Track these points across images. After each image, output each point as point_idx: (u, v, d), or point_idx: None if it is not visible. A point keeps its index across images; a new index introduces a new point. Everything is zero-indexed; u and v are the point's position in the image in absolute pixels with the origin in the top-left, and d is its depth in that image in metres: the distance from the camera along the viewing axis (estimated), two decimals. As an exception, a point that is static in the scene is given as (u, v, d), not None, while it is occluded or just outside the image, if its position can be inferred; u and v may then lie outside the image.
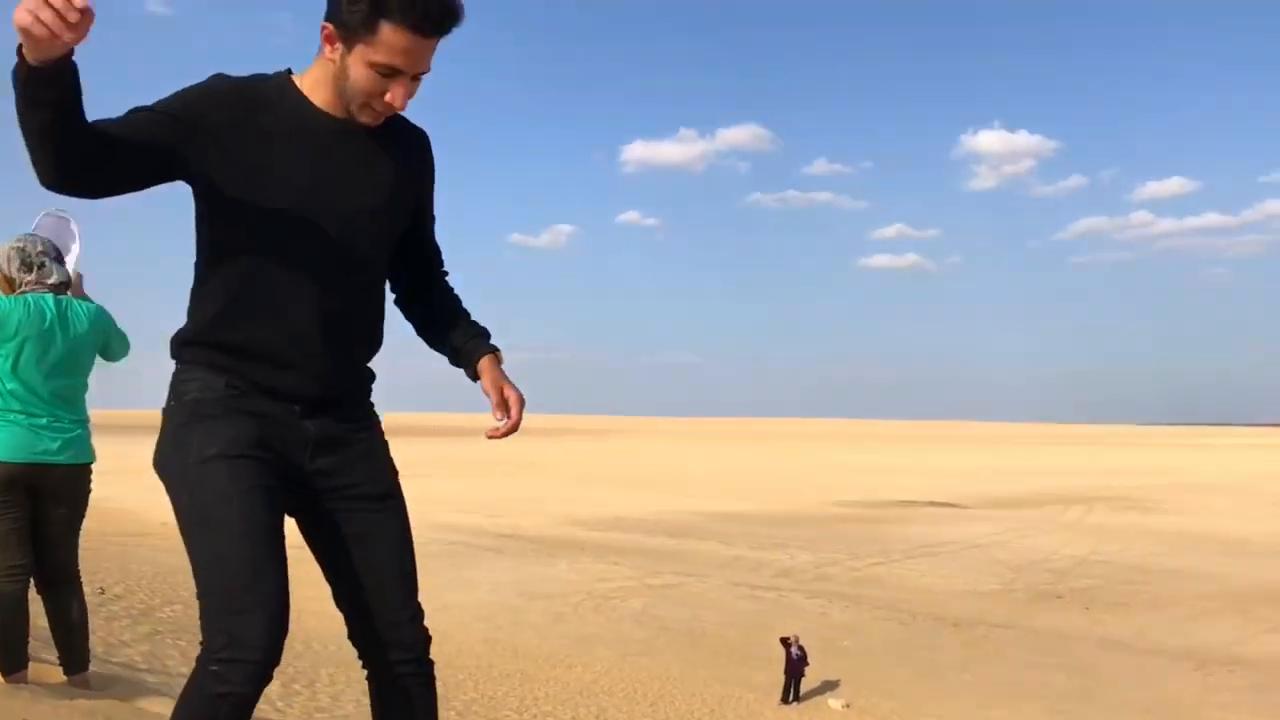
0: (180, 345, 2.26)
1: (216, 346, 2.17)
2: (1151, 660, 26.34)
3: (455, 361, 2.42)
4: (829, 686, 22.00)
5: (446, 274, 2.54)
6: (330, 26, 2.04)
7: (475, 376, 2.41)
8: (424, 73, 2.06)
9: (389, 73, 2.05)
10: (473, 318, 2.48)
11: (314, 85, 2.16)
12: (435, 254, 2.49)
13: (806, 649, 21.23)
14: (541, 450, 46.74)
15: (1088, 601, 33.32)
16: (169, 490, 2.17)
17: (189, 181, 2.12)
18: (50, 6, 1.65)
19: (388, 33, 2.00)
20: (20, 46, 1.72)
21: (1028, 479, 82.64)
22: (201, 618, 2.04)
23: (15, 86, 1.75)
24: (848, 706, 20.89)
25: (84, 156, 1.86)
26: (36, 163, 1.84)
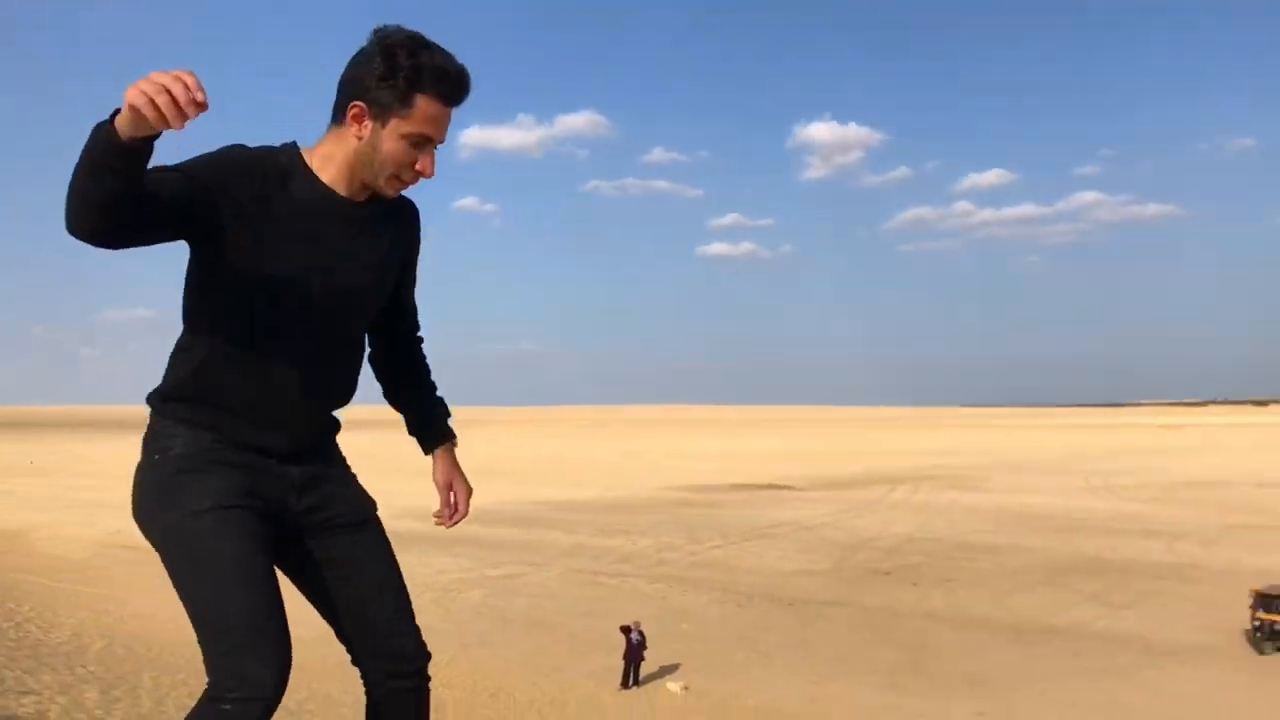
0: (162, 400, 2.30)
1: (200, 402, 2.24)
2: (974, 633, 27.55)
3: (411, 433, 2.62)
4: (668, 670, 22.27)
5: (421, 338, 2.66)
6: (361, 105, 2.15)
7: (428, 453, 2.62)
8: (442, 142, 2.22)
9: (421, 142, 2.18)
10: (437, 392, 2.64)
11: (324, 161, 2.23)
12: (412, 315, 2.62)
13: (646, 634, 21.45)
14: (378, 442, 45.90)
15: (915, 578, 34.61)
16: (157, 542, 2.24)
17: (197, 242, 2.17)
18: (169, 94, 1.69)
19: (422, 104, 2.14)
20: (115, 115, 1.76)
21: (858, 461, 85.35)
22: (207, 661, 2.12)
23: (93, 150, 1.78)
24: (686, 689, 21.19)
25: (122, 218, 1.91)
26: (78, 217, 1.86)
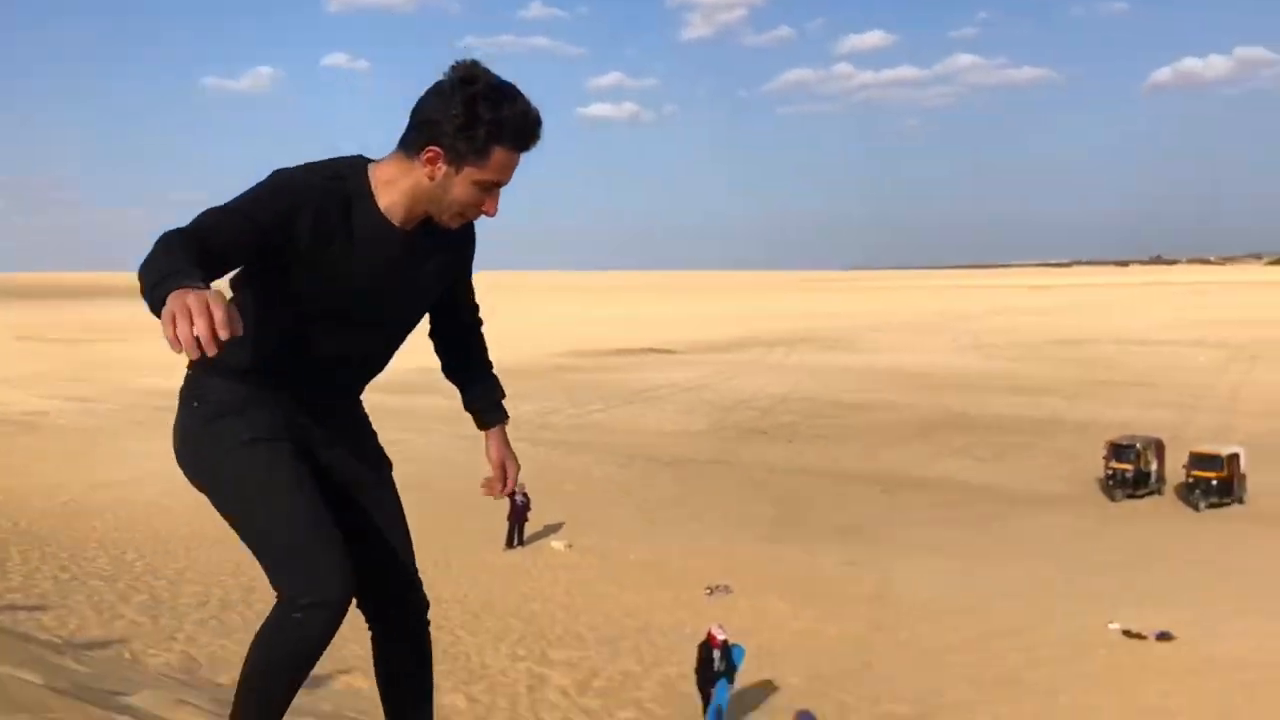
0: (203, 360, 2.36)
1: (237, 367, 2.37)
2: (846, 486, 28.64)
3: (467, 408, 2.79)
4: (552, 529, 22.68)
5: (480, 322, 2.83)
6: (437, 150, 2.22)
7: (482, 429, 2.78)
8: (508, 183, 2.34)
9: (491, 187, 2.30)
10: (492, 371, 2.84)
11: (386, 186, 2.32)
12: (467, 307, 2.77)
13: (530, 496, 21.75)
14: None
15: (790, 435, 35.66)
16: (207, 478, 2.37)
17: (257, 267, 2.29)
18: (190, 324, 1.76)
19: (499, 155, 2.24)
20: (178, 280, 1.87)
21: (737, 324, 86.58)
22: (274, 573, 2.24)
23: (157, 298, 1.87)
24: (570, 546, 21.66)
25: None
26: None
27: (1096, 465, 27.93)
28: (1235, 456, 26.32)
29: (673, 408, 40.65)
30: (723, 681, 11.29)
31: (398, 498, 2.64)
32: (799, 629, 17.23)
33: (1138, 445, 27.12)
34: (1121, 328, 75.22)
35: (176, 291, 1.84)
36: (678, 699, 12.38)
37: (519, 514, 21.61)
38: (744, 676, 12.66)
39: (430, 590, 2.56)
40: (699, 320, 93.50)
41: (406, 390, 43.61)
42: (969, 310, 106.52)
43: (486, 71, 2.26)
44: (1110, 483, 27.12)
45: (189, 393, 2.41)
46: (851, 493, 27.86)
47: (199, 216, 2.12)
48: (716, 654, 11.35)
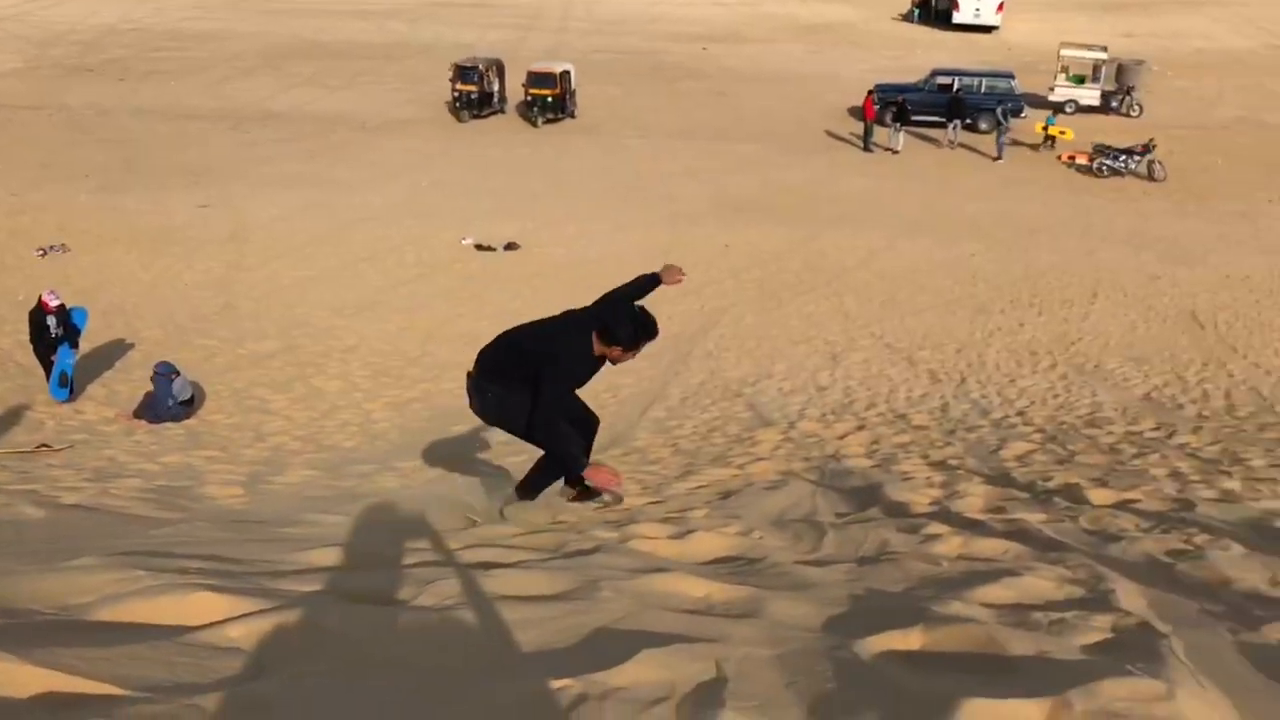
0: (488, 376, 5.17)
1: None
2: (190, 124, 26.79)
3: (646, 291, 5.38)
4: None
5: (609, 295, 5.32)
6: (620, 347, 4.87)
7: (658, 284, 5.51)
8: None
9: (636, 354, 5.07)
10: (632, 283, 5.38)
11: (597, 345, 4.90)
12: (597, 308, 5.22)
13: None
14: None
15: (122, 72, 32.26)
16: (512, 421, 5.03)
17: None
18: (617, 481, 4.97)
19: (644, 345, 4.97)
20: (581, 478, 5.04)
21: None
22: (557, 450, 4.94)
23: (571, 471, 5.09)
24: None
25: None
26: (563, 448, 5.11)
27: (444, 88, 28.54)
28: (566, 74, 28.16)
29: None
30: (65, 347, 10.35)
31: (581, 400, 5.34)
32: (151, 280, 16.31)
33: (480, 66, 27.96)
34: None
35: (592, 466, 4.76)
36: (14, 372, 11.26)
37: None
38: (94, 337, 11.84)
39: None
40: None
41: None
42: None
43: (640, 315, 4.87)
44: (457, 104, 27.93)
45: (483, 386, 4.96)
46: (197, 131, 26.22)
47: (554, 400, 4.83)
48: (52, 320, 10.31)
